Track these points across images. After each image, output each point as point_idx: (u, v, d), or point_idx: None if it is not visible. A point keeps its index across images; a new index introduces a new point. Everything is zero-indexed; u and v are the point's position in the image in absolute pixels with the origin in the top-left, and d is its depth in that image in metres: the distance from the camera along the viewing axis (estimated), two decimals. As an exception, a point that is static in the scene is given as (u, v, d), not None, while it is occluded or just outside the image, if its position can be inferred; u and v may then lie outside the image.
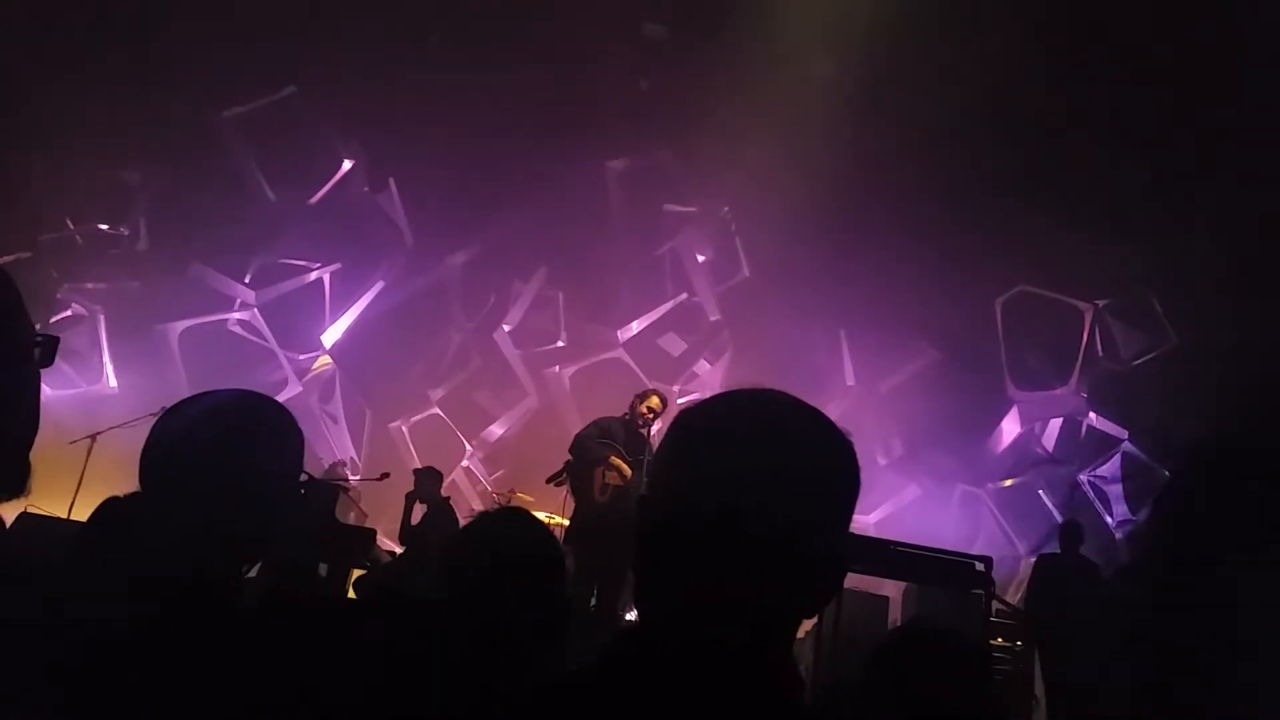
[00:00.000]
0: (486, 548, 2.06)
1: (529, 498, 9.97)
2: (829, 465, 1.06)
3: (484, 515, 2.40)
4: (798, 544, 1.01)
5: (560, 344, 13.21)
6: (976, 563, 6.81)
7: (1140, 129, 10.86)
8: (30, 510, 6.83)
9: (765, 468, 1.01)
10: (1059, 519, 11.00)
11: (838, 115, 11.32)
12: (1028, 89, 11.00)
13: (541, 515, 8.61)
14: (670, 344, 13.20)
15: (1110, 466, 12.41)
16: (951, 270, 11.66)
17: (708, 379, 12.78)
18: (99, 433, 9.25)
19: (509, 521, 2.25)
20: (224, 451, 1.44)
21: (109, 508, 2.33)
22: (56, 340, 1.23)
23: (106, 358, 12.16)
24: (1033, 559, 9.63)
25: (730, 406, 1.11)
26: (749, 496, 1.00)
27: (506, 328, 13.10)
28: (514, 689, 1.14)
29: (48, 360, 1.21)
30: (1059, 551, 8.57)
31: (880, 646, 2.12)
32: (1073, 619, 7.35)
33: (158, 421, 1.50)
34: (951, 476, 12.45)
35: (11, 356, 1.14)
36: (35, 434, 1.21)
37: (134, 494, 1.46)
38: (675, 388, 12.10)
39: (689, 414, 1.12)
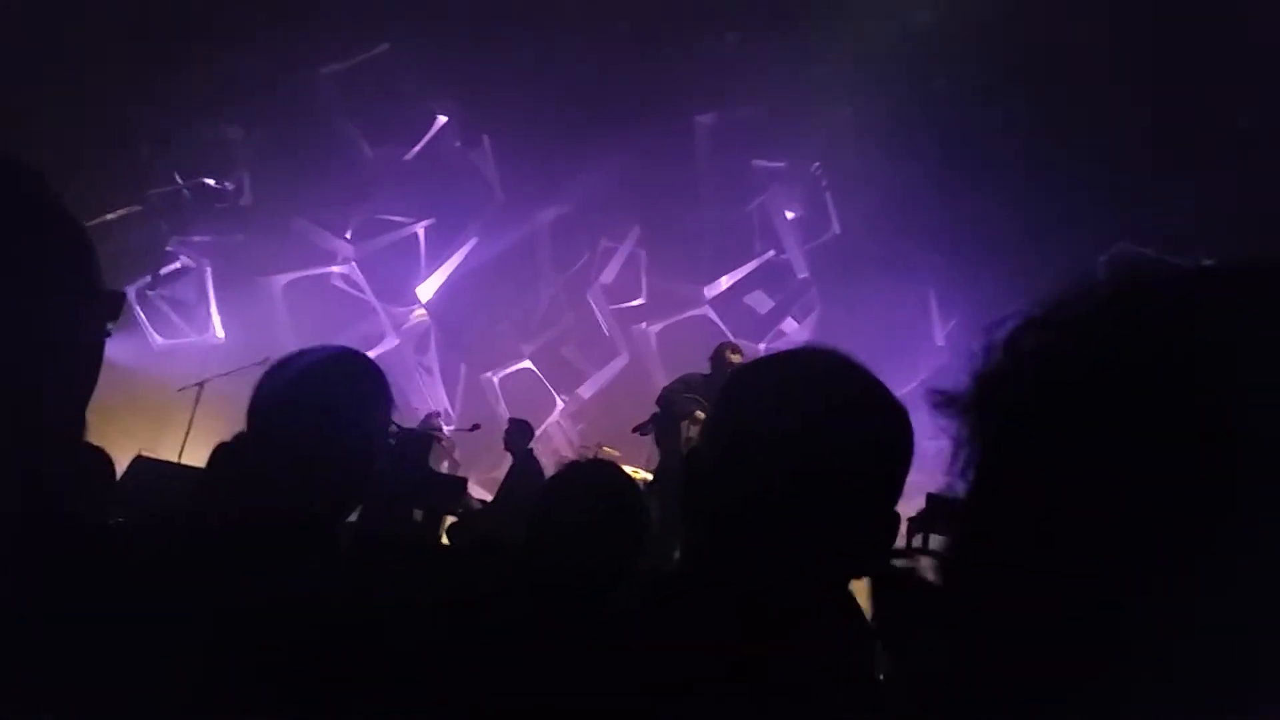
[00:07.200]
0: (571, 496, 2.11)
1: (615, 452, 10.09)
2: (881, 432, 1.05)
3: (569, 466, 2.45)
4: (843, 506, 1.00)
5: (640, 301, 13.24)
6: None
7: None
8: (143, 455, 7.23)
9: (815, 428, 1.01)
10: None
11: (934, 68, 10.98)
12: (1138, 31, 10.46)
13: (627, 469, 8.71)
14: (757, 301, 13.12)
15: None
16: (1049, 228, 11.27)
17: (795, 337, 12.67)
18: (206, 380, 9.68)
19: (594, 472, 2.30)
20: (321, 405, 1.53)
21: (220, 453, 2.47)
22: (123, 296, 1.21)
23: (214, 309, 12.63)
24: None
25: (785, 365, 1.14)
26: (796, 456, 0.99)
27: (602, 283, 13.19)
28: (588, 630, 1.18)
29: (114, 315, 1.16)
30: None
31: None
32: None
33: (263, 375, 1.58)
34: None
35: (78, 304, 1.10)
36: (92, 389, 1.13)
37: (239, 434, 1.55)
38: (761, 346, 12.03)
39: (745, 370, 1.16)
